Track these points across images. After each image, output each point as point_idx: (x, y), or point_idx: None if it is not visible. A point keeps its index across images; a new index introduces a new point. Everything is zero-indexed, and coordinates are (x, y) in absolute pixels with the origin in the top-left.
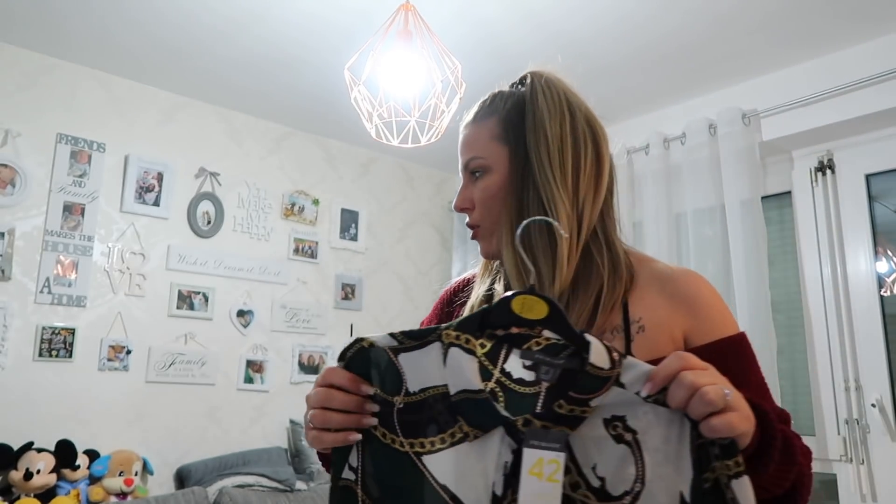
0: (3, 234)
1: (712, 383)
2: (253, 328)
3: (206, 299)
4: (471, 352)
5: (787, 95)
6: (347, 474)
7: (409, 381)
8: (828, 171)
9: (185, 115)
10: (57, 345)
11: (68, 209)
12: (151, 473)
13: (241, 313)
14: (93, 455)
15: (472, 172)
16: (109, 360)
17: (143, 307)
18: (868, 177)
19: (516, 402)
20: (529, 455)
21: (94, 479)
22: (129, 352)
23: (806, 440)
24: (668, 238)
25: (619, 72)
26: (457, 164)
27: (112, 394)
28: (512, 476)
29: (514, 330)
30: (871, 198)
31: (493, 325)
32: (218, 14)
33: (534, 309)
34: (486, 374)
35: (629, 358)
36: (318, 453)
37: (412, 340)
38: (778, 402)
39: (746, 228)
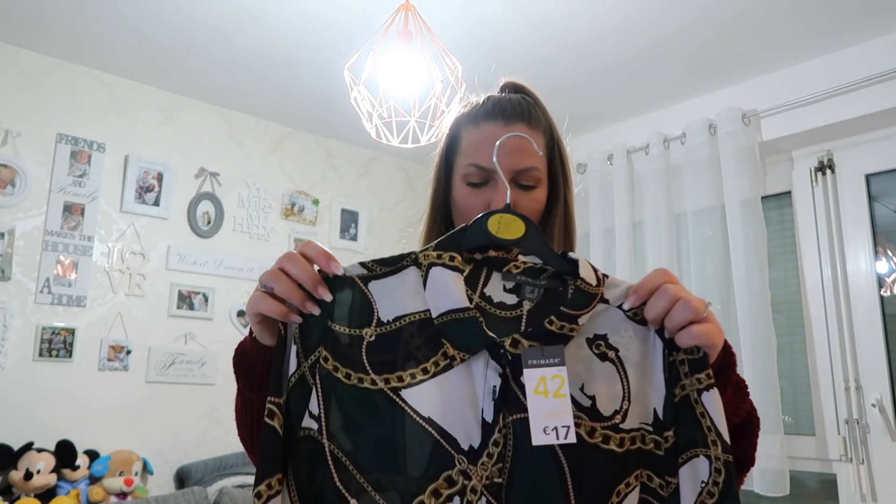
0: (3, 234)
1: (691, 299)
2: None
3: (206, 299)
4: (457, 269)
5: (787, 95)
6: (308, 423)
7: (381, 309)
8: (828, 171)
9: (185, 115)
10: (57, 345)
11: (68, 209)
12: (151, 473)
13: (241, 313)
14: (93, 455)
15: (522, 182)
16: (109, 360)
17: (143, 307)
18: (868, 177)
19: (497, 327)
20: (531, 375)
21: (94, 479)
22: (129, 352)
23: (806, 440)
24: (668, 238)
25: (619, 72)
26: None
27: (112, 394)
28: (501, 401)
29: (492, 253)
30: (871, 198)
31: (470, 248)
32: (218, 14)
33: (510, 228)
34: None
35: (611, 277)
36: (238, 353)
37: (385, 266)
38: (778, 402)
39: (746, 228)
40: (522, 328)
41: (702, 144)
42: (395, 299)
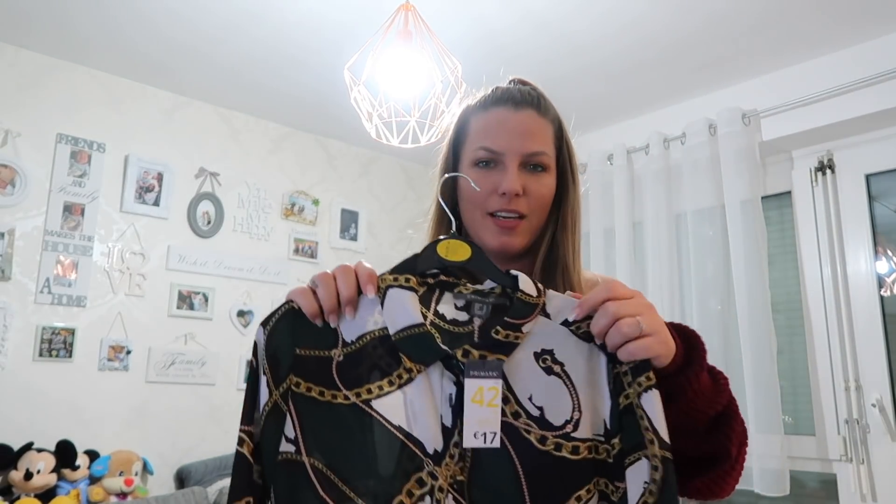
0: (3, 234)
1: (633, 314)
2: (253, 328)
3: (206, 299)
4: (412, 289)
5: (787, 95)
6: (286, 447)
7: (343, 332)
8: (828, 171)
9: (185, 115)
10: (57, 345)
11: (68, 209)
12: (151, 473)
13: (241, 313)
14: (93, 455)
15: (531, 165)
16: (109, 360)
17: (143, 307)
18: (868, 177)
19: (451, 342)
20: (470, 385)
21: (94, 479)
22: (129, 352)
23: (806, 440)
24: (668, 238)
25: (619, 72)
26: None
27: (112, 394)
28: (458, 407)
29: (443, 277)
30: (871, 198)
31: (423, 271)
32: (218, 15)
33: (458, 252)
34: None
35: (550, 291)
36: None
37: None
38: (778, 402)
39: (746, 228)
40: (475, 341)
41: (702, 144)
42: (355, 321)
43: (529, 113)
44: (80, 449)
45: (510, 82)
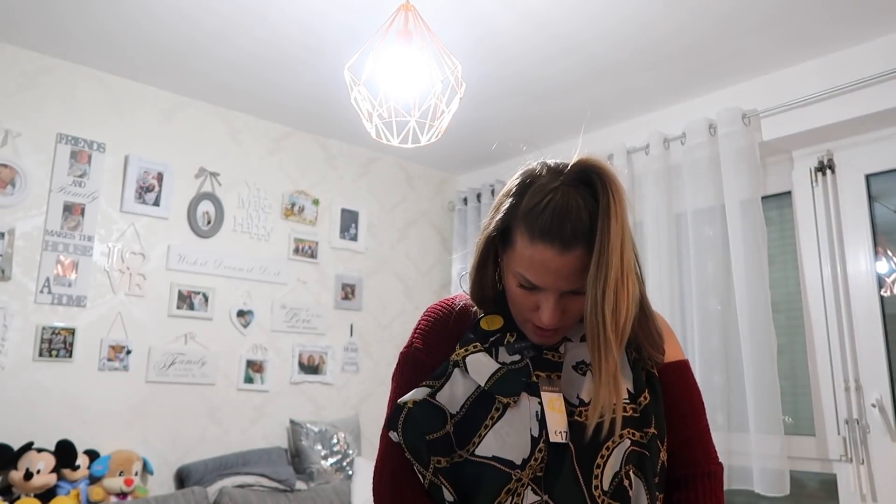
0: (3, 234)
1: None
2: (253, 328)
3: (206, 299)
4: (481, 351)
5: (787, 95)
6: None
7: (449, 408)
8: (828, 171)
9: (185, 115)
10: (57, 345)
11: (68, 209)
12: (151, 473)
13: (241, 313)
14: (93, 455)
15: (570, 292)
16: (109, 360)
17: (143, 307)
18: (868, 177)
19: (516, 376)
20: (545, 397)
21: (94, 479)
22: (129, 352)
23: (806, 440)
24: (668, 238)
25: (619, 72)
26: (457, 164)
27: (112, 394)
28: (542, 420)
29: (491, 339)
30: (871, 198)
31: (474, 341)
32: (218, 14)
33: (494, 322)
34: None
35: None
36: None
37: (438, 381)
38: (778, 402)
39: (746, 228)
40: (531, 368)
41: (702, 144)
42: (454, 397)
43: (577, 254)
44: (80, 449)
45: (572, 169)
